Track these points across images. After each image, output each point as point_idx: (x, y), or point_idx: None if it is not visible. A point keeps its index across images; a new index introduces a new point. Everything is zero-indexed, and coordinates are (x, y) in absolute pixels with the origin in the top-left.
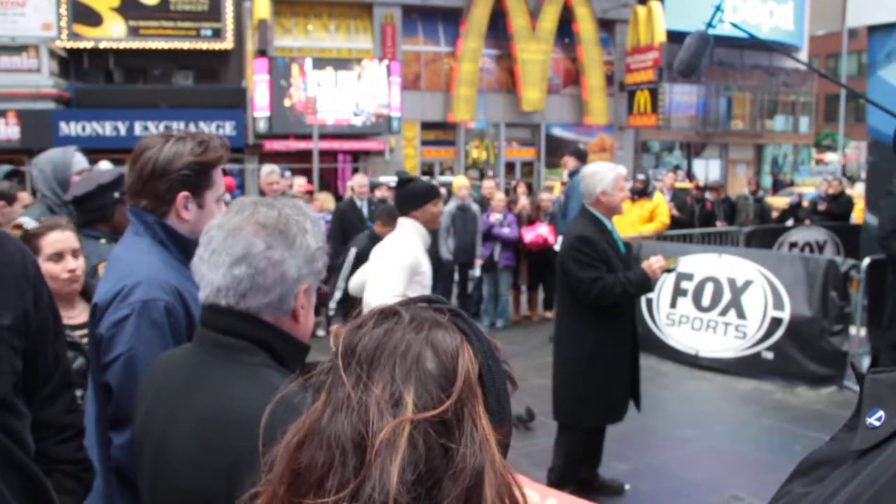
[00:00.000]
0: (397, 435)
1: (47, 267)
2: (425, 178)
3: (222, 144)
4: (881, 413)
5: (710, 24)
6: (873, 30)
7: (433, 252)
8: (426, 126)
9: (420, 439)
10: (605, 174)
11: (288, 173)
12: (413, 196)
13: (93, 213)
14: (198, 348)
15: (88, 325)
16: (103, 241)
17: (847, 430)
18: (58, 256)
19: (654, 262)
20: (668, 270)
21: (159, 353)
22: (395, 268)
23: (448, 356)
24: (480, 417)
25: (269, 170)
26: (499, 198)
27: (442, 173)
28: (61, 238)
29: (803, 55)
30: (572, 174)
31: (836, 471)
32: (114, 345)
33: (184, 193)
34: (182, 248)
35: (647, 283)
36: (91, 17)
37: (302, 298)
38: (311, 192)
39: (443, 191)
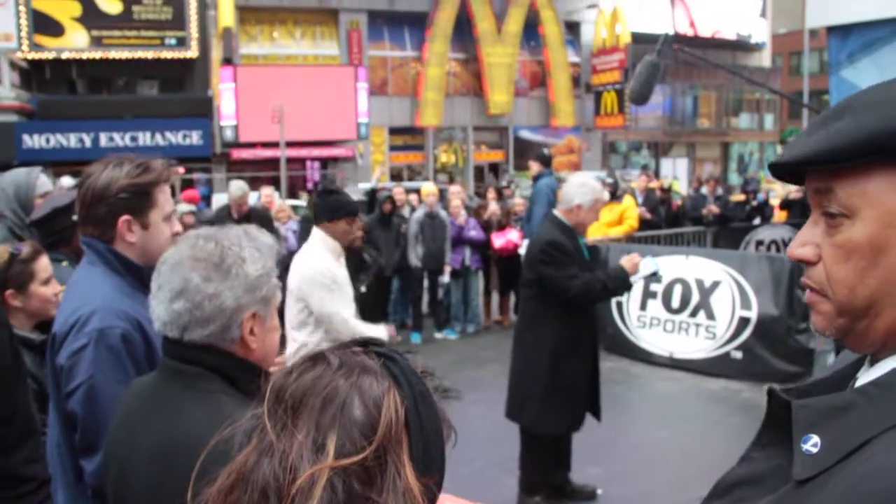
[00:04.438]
0: (315, 482)
1: (42, 290)
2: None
3: (164, 165)
4: (816, 439)
5: (659, 52)
6: (833, 30)
7: (402, 260)
8: (394, 131)
9: (340, 486)
10: (588, 191)
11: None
12: (329, 208)
13: (52, 237)
14: (160, 376)
15: (48, 355)
16: (65, 263)
17: (757, 448)
18: (48, 280)
19: (634, 257)
20: (653, 274)
21: (118, 379)
22: (321, 292)
23: (373, 403)
24: (404, 466)
25: (239, 189)
26: (455, 205)
27: (411, 178)
28: (48, 262)
29: (766, 53)
30: (536, 178)
31: (763, 496)
32: (74, 374)
33: (124, 217)
34: (135, 275)
35: (626, 278)
36: (52, 28)
37: (248, 325)
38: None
39: (412, 197)
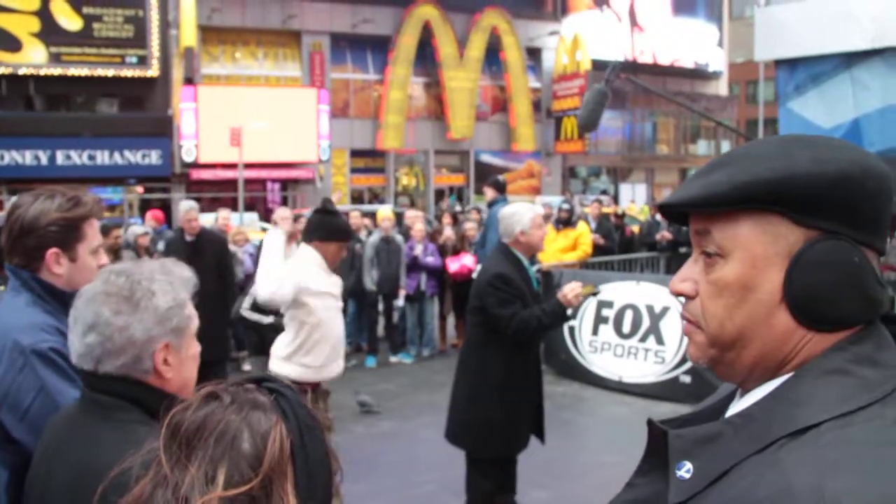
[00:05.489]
0: None
1: None
2: (346, 218)
3: (94, 199)
4: (689, 465)
5: (607, 81)
6: (780, 63)
7: (357, 283)
8: (355, 154)
9: None
10: (522, 215)
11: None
12: (325, 228)
13: None
14: (80, 406)
15: None
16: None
17: (640, 475)
18: None
19: (567, 292)
20: (593, 294)
21: (67, 382)
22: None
23: (260, 437)
24: (287, 495)
25: (188, 206)
26: (418, 228)
27: (371, 201)
28: None
29: (723, 81)
30: (490, 205)
31: None
32: (23, 393)
33: (53, 250)
34: (60, 300)
35: (562, 312)
36: (9, 43)
37: (161, 356)
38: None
39: (367, 221)
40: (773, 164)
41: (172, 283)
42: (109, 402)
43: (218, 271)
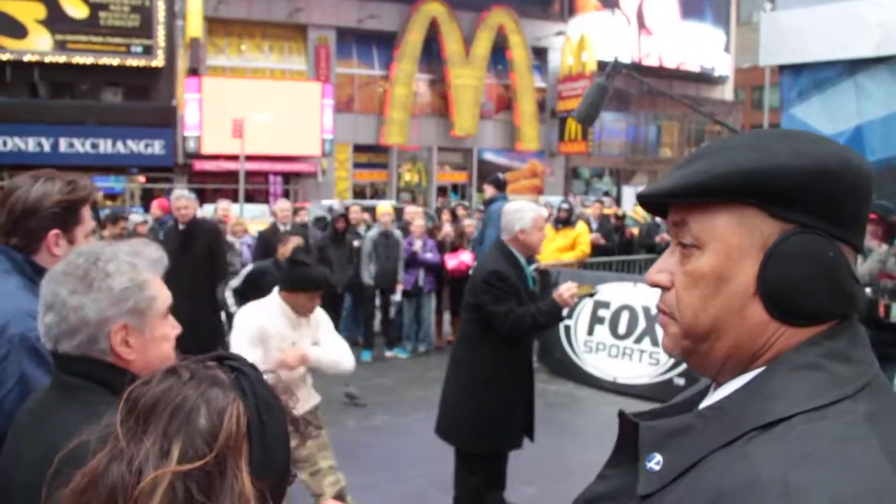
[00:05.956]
0: (157, 484)
1: None
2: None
3: (91, 184)
4: (659, 457)
5: (608, 76)
6: (784, 69)
7: (355, 277)
8: (359, 149)
9: (181, 489)
10: (525, 213)
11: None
12: (293, 279)
13: None
14: (50, 388)
15: None
16: None
17: (611, 467)
18: None
19: (563, 291)
20: (590, 295)
21: (46, 376)
22: (242, 338)
23: (217, 413)
24: (241, 472)
25: (177, 195)
26: (417, 224)
27: (373, 197)
28: None
29: (729, 86)
30: (489, 202)
31: None
32: (2, 381)
33: (54, 231)
34: None
35: (557, 312)
36: (15, 29)
37: (119, 337)
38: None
39: (366, 215)
40: (751, 155)
41: (135, 264)
42: (76, 384)
43: (209, 259)
